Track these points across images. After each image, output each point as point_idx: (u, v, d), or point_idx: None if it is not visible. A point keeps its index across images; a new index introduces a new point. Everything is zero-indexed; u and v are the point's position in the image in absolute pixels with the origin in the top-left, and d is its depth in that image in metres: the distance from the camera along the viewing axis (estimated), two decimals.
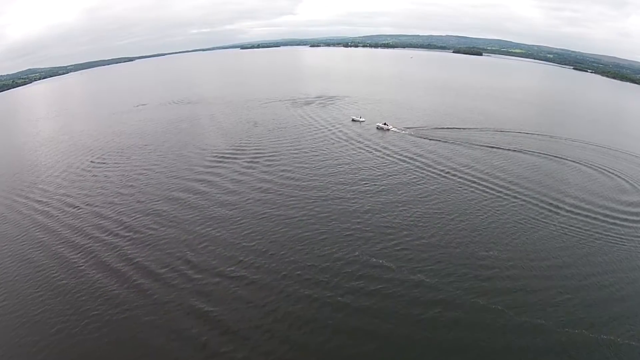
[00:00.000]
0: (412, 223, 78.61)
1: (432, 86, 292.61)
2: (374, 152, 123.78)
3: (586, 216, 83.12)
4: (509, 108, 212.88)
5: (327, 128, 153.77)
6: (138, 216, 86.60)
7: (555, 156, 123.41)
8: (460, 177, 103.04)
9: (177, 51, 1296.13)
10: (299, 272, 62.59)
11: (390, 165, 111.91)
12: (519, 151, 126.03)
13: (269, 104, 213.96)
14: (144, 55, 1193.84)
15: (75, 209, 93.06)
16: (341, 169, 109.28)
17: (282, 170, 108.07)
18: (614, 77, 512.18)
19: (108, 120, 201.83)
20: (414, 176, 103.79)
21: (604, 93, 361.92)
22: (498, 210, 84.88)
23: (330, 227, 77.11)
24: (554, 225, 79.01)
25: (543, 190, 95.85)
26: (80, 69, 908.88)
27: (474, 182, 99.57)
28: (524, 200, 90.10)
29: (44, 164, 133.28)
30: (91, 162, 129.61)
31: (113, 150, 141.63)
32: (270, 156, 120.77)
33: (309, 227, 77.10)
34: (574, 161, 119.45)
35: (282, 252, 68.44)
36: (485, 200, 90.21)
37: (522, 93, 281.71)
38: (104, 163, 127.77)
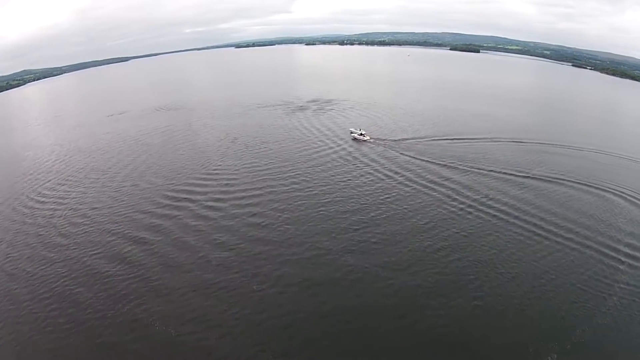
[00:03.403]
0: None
1: (433, 86, 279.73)
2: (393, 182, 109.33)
3: None
4: (518, 111, 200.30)
5: (322, 144, 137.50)
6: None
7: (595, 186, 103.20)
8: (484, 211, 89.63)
9: (172, 51, 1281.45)
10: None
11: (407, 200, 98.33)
12: (545, 179, 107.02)
13: (258, 109, 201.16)
14: (138, 55, 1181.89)
15: None
16: (335, 212, 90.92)
17: (252, 215, 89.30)
18: (613, 74, 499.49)
19: (76, 133, 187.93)
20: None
21: (614, 93, 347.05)
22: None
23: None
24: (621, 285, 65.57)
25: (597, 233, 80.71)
26: (74, 70, 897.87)
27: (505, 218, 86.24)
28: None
29: None
30: (28, 196, 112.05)
31: (64, 176, 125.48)
32: (241, 190, 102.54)
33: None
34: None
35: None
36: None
37: (528, 93, 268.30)
38: (43, 198, 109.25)
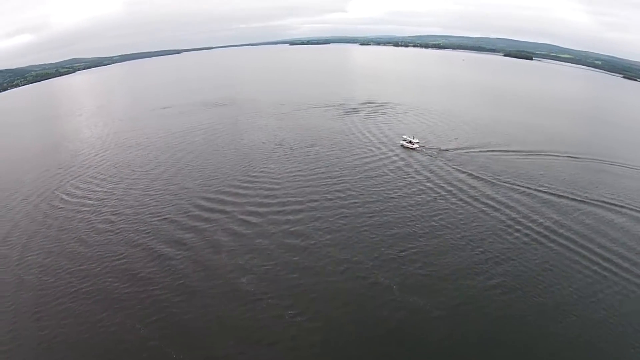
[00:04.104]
0: None
1: (487, 94, 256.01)
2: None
3: None
4: (572, 124, 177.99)
5: (372, 152, 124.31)
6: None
7: None
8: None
9: (226, 45, 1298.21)
10: None
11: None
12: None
13: (309, 110, 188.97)
14: (192, 48, 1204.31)
15: None
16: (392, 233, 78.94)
17: (290, 233, 77.12)
18: None
19: (117, 126, 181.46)
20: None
21: None
22: None
23: None
24: None
25: None
26: (125, 60, 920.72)
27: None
28: None
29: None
30: (54, 192, 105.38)
31: (96, 172, 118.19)
32: (281, 202, 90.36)
33: None
34: None
35: None
36: None
37: (582, 105, 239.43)
38: (70, 197, 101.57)
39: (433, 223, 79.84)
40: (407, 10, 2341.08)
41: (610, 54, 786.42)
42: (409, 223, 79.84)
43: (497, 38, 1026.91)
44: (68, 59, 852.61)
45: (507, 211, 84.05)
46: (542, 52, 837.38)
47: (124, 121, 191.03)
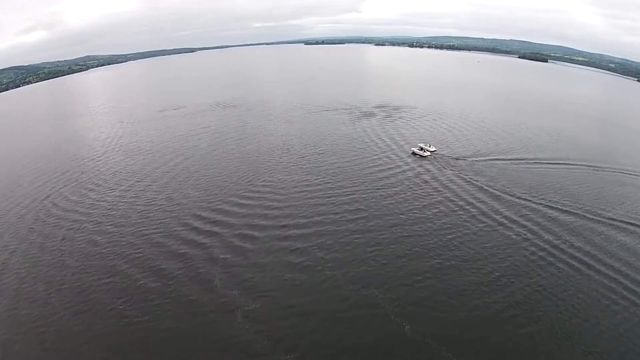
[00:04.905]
0: None
1: (504, 97, 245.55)
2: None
3: None
4: (590, 130, 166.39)
5: (385, 160, 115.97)
6: None
7: None
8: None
9: (241, 44, 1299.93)
10: None
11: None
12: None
13: (321, 113, 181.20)
14: (207, 46, 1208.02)
15: None
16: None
17: (292, 251, 70.12)
18: None
19: (122, 128, 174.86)
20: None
21: None
22: None
23: None
24: None
25: None
26: (140, 58, 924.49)
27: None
28: None
29: None
30: (52, 201, 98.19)
31: (95, 179, 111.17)
32: (285, 215, 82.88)
33: None
34: None
35: None
36: None
37: (608, 112, 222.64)
38: (66, 204, 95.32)
39: (445, 240, 72.51)
40: (422, 12, 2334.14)
41: (624, 57, 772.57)
42: (419, 241, 72.46)
43: (511, 40, 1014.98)
44: (82, 56, 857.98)
45: (531, 236, 74.28)
46: (557, 55, 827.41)
47: (129, 123, 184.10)
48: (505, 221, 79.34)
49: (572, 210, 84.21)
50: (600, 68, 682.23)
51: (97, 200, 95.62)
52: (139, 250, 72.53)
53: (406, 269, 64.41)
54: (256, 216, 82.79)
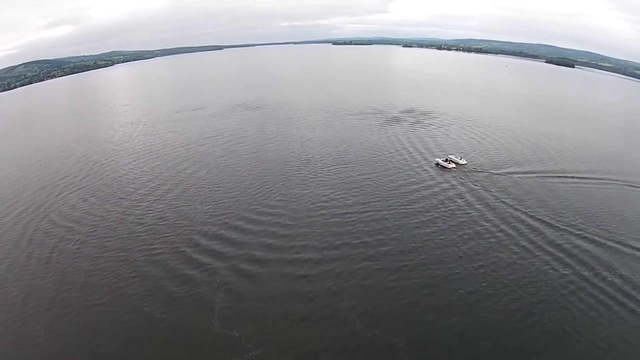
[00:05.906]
0: None
1: (536, 104, 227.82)
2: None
3: None
4: (624, 142, 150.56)
5: (409, 173, 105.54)
6: None
7: None
8: None
9: (268, 43, 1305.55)
10: None
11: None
12: None
13: (345, 117, 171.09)
14: (233, 44, 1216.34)
15: None
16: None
17: (298, 278, 61.47)
18: None
19: (134, 130, 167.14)
20: None
21: None
22: None
23: None
24: None
25: None
26: (166, 55, 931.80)
27: None
28: None
29: None
30: (47, 216, 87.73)
31: (97, 187, 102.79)
32: (296, 235, 73.36)
33: None
34: None
35: None
36: None
37: (632, 120, 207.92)
38: (60, 219, 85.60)
39: (471, 269, 62.53)
40: (449, 14, 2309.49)
41: None
42: (441, 271, 62.48)
43: (538, 44, 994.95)
44: (108, 51, 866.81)
45: (569, 270, 61.44)
46: (583, 60, 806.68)
47: (144, 124, 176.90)
48: (537, 250, 67.97)
49: (612, 239, 71.50)
50: (625, 74, 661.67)
51: (100, 211, 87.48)
52: (134, 272, 64.34)
53: (429, 302, 55.73)
54: (267, 233, 73.93)
